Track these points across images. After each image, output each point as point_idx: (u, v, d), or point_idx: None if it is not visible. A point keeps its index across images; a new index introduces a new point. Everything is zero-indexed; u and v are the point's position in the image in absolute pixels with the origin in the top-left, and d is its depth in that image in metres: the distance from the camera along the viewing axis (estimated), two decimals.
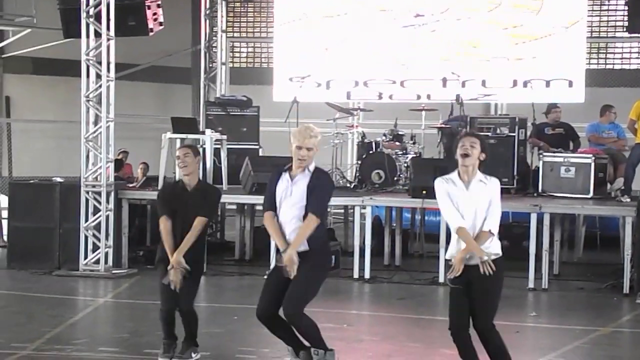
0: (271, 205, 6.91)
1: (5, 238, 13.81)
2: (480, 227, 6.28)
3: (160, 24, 13.02)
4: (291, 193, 6.82)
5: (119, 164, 15.35)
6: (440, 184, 6.46)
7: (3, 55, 19.62)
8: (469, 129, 12.54)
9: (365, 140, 13.66)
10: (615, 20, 17.12)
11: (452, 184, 6.39)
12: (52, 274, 12.02)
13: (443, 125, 13.49)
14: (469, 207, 6.30)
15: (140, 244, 13.39)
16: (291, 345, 6.94)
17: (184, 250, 7.39)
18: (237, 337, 8.50)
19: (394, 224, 13.32)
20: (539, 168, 12.53)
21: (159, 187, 12.81)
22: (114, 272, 12.03)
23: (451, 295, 6.42)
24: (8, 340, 8.10)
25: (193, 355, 7.51)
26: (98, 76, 12.30)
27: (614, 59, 18.10)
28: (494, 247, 6.34)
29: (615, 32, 17.26)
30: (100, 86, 12.24)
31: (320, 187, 6.84)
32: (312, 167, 6.89)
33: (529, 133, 13.20)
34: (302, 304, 6.74)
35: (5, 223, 13.65)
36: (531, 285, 11.12)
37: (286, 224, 6.80)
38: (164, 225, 7.50)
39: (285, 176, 6.88)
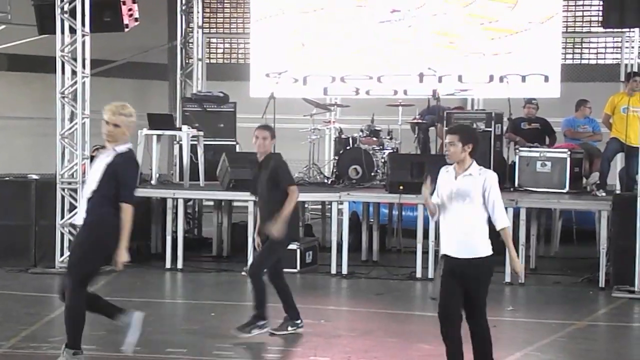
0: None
1: None
2: (471, 216, 6.29)
3: (136, 19, 12.94)
4: None
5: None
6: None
7: None
8: (445, 124, 12.59)
9: (343, 136, 13.67)
10: (591, 15, 17.16)
11: (446, 173, 6.44)
12: (28, 271, 11.95)
13: (418, 121, 13.52)
14: (456, 197, 6.31)
15: None
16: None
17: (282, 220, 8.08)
18: (215, 334, 8.48)
19: (372, 220, 13.33)
20: (515, 163, 12.58)
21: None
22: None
23: (442, 284, 6.40)
24: None
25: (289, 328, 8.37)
26: (73, 72, 12.23)
27: (589, 53, 18.17)
28: (486, 249, 6.36)
29: (590, 27, 17.32)
30: (75, 82, 12.18)
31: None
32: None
33: (505, 128, 13.25)
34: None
35: None
36: (508, 279, 11.16)
37: None
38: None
39: None
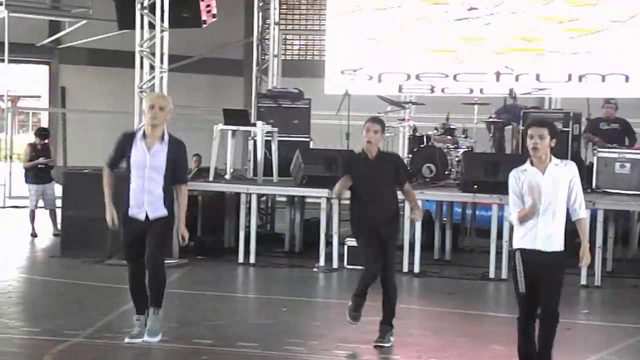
0: None
1: (59, 227, 14.00)
2: (559, 209, 6.26)
3: (214, 16, 13.08)
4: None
5: None
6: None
7: (59, 46, 19.87)
8: (522, 123, 12.42)
9: (417, 134, 13.59)
10: None
11: (524, 173, 6.35)
12: (103, 262, 12.14)
13: (494, 119, 13.37)
14: (548, 191, 6.26)
15: (192, 234, 13.43)
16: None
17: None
18: (286, 329, 8.51)
19: (445, 219, 13.25)
20: (593, 164, 12.36)
21: (210, 178, 12.90)
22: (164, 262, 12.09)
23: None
24: (60, 327, 8.21)
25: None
26: (152, 67, 12.40)
27: None
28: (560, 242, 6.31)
29: None
30: (153, 77, 12.35)
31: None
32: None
33: (583, 128, 13.03)
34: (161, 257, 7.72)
35: (59, 212, 13.83)
36: (584, 282, 10.99)
37: None
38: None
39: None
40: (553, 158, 6.36)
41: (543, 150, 6.29)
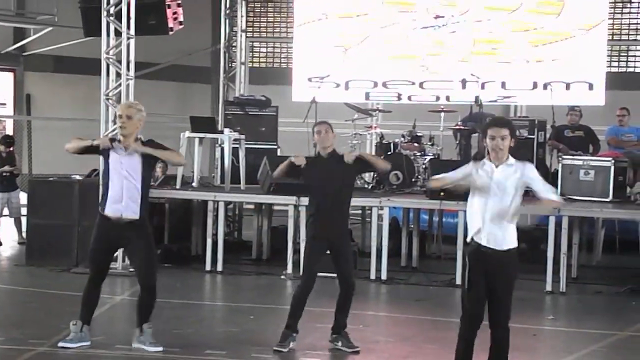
0: None
1: (24, 235, 13.89)
2: (507, 207, 6.28)
3: (181, 23, 13.04)
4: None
5: None
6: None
7: (24, 53, 19.72)
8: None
9: (384, 141, 13.64)
10: (637, 23, 17.02)
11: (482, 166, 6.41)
12: (70, 271, 12.06)
13: (461, 127, 13.45)
14: (496, 189, 6.31)
15: (158, 242, 13.40)
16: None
17: None
18: (253, 337, 8.50)
19: (412, 226, 13.30)
20: (558, 171, 12.47)
21: (177, 186, 12.86)
22: (131, 269, 12.00)
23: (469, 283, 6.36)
24: (26, 336, 8.15)
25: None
26: (118, 75, 12.34)
27: (635, 62, 18.00)
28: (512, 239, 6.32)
29: (636, 35, 17.17)
30: (120, 85, 12.28)
31: None
32: None
33: (548, 135, 13.15)
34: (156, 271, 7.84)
35: (24, 220, 13.73)
36: (549, 288, 11.07)
37: None
38: None
39: None
40: (510, 158, 6.38)
41: (505, 152, 6.34)
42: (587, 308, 10.74)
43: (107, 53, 12.40)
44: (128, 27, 12.23)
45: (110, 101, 12.38)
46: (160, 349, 7.75)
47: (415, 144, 13.34)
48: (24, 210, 14.00)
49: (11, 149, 14.97)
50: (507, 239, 6.28)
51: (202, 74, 19.79)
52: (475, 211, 6.30)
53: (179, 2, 13.15)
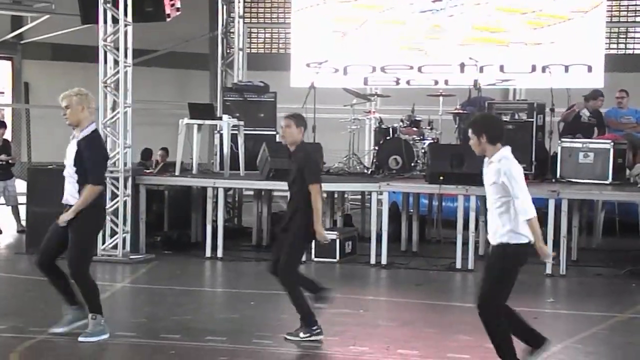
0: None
1: (23, 223, 13.89)
2: (491, 202, 6.32)
3: (178, 9, 13.00)
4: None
5: (147, 154, 15.40)
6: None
7: (22, 42, 19.69)
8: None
9: (383, 126, 13.64)
10: (636, 5, 16.98)
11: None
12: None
13: (460, 111, 13.44)
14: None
15: (158, 229, 13.45)
16: (66, 295, 7.82)
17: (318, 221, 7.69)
18: (254, 322, 8.51)
19: (411, 210, 13.30)
20: (557, 154, 12.46)
21: (176, 173, 12.86)
22: (131, 257, 12.07)
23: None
24: (27, 324, 8.16)
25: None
26: (116, 62, 12.31)
27: (634, 43, 17.96)
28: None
29: (635, 16, 17.13)
30: (117, 72, 12.26)
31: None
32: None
33: (547, 118, 13.12)
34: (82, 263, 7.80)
35: (23, 208, 13.72)
36: (549, 271, 11.08)
37: None
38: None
39: None
40: (495, 154, 6.29)
41: (477, 150, 6.37)
42: (587, 290, 10.75)
43: (105, 40, 12.37)
44: (125, 14, 12.19)
45: (108, 89, 12.35)
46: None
47: (414, 129, 13.33)
48: (21, 199, 13.99)
49: (5, 137, 14.91)
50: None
51: (200, 61, 19.75)
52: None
53: None
